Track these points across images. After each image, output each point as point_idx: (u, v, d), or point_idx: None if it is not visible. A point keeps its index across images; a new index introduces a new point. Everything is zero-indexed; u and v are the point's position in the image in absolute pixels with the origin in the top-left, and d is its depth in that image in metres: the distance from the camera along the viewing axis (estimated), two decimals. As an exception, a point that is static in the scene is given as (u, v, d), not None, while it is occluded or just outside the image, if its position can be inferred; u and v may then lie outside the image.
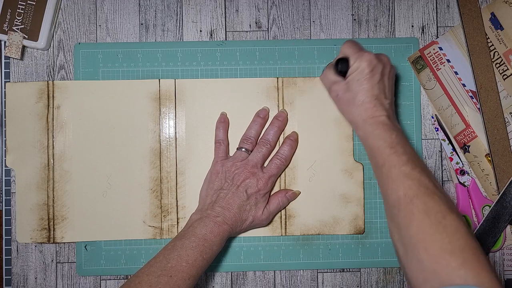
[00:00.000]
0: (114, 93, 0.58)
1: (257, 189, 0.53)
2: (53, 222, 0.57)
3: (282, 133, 0.58)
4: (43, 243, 0.57)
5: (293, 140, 0.57)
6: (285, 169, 0.57)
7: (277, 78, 0.58)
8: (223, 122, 0.57)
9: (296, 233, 0.58)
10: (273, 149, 0.57)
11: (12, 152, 0.57)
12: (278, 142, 0.58)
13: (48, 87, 0.57)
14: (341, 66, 0.51)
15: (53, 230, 0.57)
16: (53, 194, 0.57)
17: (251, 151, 0.56)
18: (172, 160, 0.58)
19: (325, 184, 0.58)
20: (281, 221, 0.58)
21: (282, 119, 0.57)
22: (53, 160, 0.57)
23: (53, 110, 0.57)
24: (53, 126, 0.57)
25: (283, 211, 0.58)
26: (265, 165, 0.56)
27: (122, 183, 0.57)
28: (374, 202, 0.58)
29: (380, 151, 0.47)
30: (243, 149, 0.56)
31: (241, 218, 0.53)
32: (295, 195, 0.58)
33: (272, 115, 0.58)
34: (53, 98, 0.57)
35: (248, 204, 0.53)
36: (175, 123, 0.58)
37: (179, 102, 0.58)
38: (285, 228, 0.58)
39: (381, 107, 0.49)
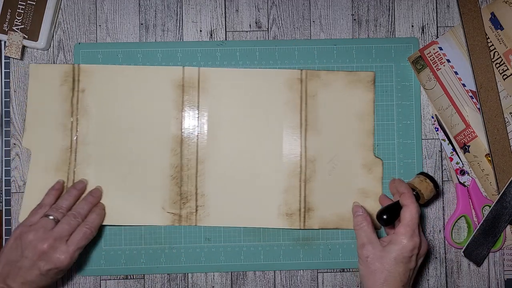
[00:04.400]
0: (139, 78, 0.58)
1: (56, 266, 0.49)
2: None
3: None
4: None
5: (102, 209, 0.55)
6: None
7: (301, 70, 0.58)
8: (56, 190, 0.55)
9: (315, 226, 0.57)
10: (81, 223, 0.52)
11: (30, 132, 0.57)
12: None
13: (73, 70, 0.57)
14: (387, 220, 0.50)
15: None
16: (74, 177, 0.57)
17: (59, 221, 0.51)
18: (193, 148, 0.57)
19: (345, 178, 0.58)
20: (299, 214, 0.57)
21: (97, 196, 0.55)
22: (76, 143, 0.57)
23: (77, 94, 0.57)
24: (77, 109, 0.57)
25: (302, 204, 0.57)
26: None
27: (142, 169, 0.57)
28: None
29: None
30: (51, 217, 0.51)
31: None
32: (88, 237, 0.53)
33: (294, 106, 0.58)
34: (78, 82, 0.57)
35: (44, 280, 0.49)
36: (198, 111, 0.58)
37: (203, 90, 0.58)
38: (304, 221, 0.57)
39: None
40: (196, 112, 0.58)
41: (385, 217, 0.50)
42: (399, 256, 0.48)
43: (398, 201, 0.51)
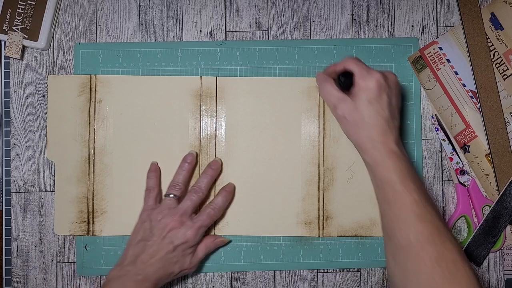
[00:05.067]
0: (156, 88, 0.58)
1: (185, 240, 0.50)
2: (93, 215, 0.57)
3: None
4: (82, 235, 0.57)
5: (228, 191, 0.56)
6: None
7: None
8: (154, 171, 0.56)
9: (333, 234, 0.57)
10: (204, 198, 0.54)
11: (53, 144, 0.57)
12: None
13: (90, 81, 0.57)
14: (345, 82, 0.49)
15: (92, 223, 0.57)
16: (93, 188, 0.57)
17: (181, 198, 0.54)
18: (211, 157, 0.57)
19: (363, 186, 0.57)
20: (318, 222, 0.57)
21: (216, 168, 0.56)
22: (94, 153, 0.57)
23: (95, 104, 0.57)
24: (94, 120, 0.57)
25: (320, 212, 0.57)
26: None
27: (161, 179, 0.57)
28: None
29: (390, 185, 0.44)
30: (172, 195, 0.53)
31: (167, 272, 0.50)
32: (223, 242, 0.56)
33: (312, 114, 0.58)
34: (95, 92, 0.57)
35: (175, 257, 0.50)
36: (216, 120, 0.58)
37: (220, 99, 0.58)
38: (323, 229, 0.57)
39: (390, 132, 0.46)
40: (214, 121, 0.58)
41: (342, 79, 0.49)
42: (370, 98, 0.47)
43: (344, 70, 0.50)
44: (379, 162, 0.45)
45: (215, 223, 0.57)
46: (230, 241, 0.57)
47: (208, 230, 0.57)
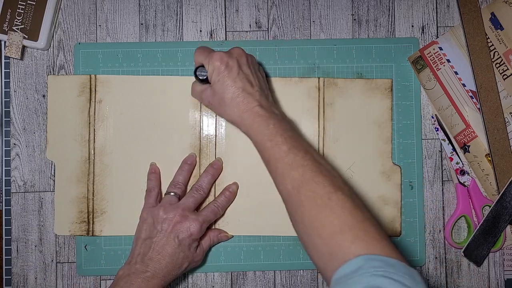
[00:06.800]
0: (156, 88, 0.58)
1: (190, 234, 0.50)
2: (92, 216, 0.57)
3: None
4: (82, 235, 0.57)
5: (232, 192, 0.56)
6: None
7: (319, 78, 0.58)
8: (154, 173, 0.56)
9: None
10: (205, 197, 0.55)
11: (53, 145, 0.57)
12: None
13: (90, 81, 0.57)
14: (200, 74, 0.51)
15: (92, 223, 0.57)
16: (93, 188, 0.57)
17: (181, 196, 0.54)
18: (211, 157, 0.57)
19: (363, 186, 0.57)
20: None
21: (217, 167, 0.56)
22: (94, 153, 0.57)
23: (94, 104, 0.57)
24: (94, 120, 0.57)
25: None
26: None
27: (161, 179, 0.57)
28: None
29: (262, 145, 0.46)
30: (172, 193, 0.54)
31: (175, 267, 0.50)
32: (227, 238, 0.57)
33: (312, 114, 0.58)
34: (95, 92, 0.57)
35: (181, 251, 0.50)
36: (216, 120, 0.58)
37: None
38: None
39: (251, 98, 0.48)
40: (214, 121, 0.58)
41: (197, 74, 0.51)
42: (220, 77, 0.48)
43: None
44: (249, 128, 0.47)
45: (214, 222, 0.57)
46: (232, 236, 0.57)
47: (207, 229, 0.57)
